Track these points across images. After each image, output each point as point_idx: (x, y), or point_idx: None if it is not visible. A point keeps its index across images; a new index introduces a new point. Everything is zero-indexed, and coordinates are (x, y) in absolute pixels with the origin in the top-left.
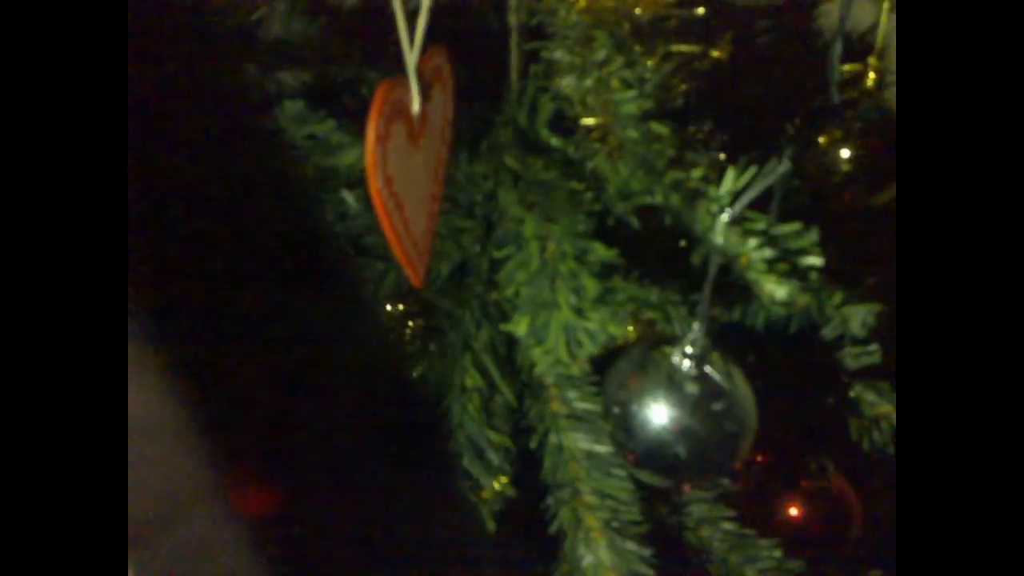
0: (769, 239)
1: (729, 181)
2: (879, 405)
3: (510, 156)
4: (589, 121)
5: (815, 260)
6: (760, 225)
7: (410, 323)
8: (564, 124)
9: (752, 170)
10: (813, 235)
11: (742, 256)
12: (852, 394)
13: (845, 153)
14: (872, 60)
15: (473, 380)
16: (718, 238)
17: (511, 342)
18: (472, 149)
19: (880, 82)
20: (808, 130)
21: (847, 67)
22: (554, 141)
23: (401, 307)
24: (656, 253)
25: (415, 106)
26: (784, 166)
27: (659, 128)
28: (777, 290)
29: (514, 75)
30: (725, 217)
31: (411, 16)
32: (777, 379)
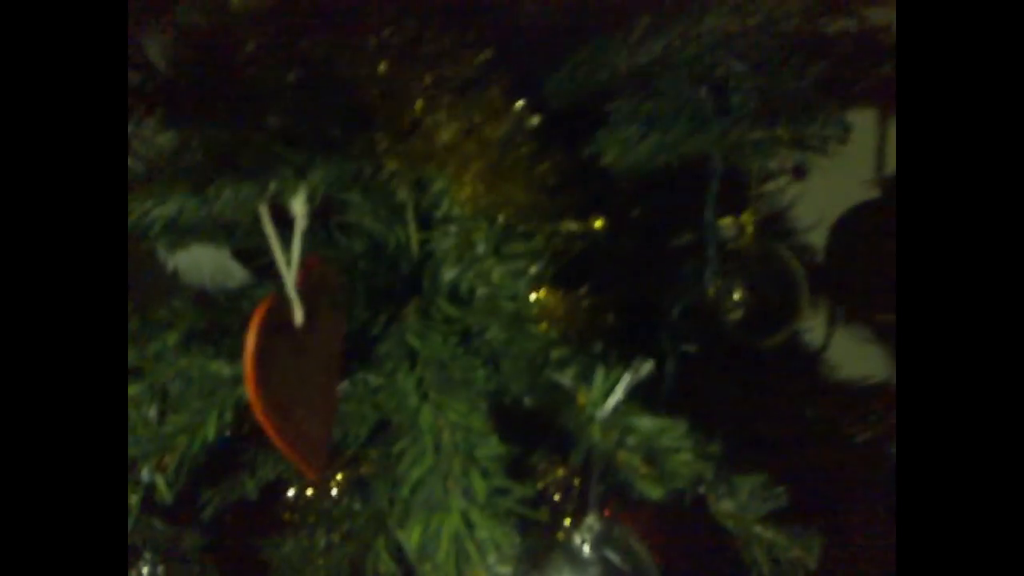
0: (643, 435)
1: (600, 382)
2: (791, 549)
3: (411, 332)
4: (481, 291)
5: (685, 456)
6: (632, 422)
7: (338, 475)
8: (464, 295)
9: (619, 371)
10: (682, 429)
11: (618, 455)
12: (766, 538)
13: (736, 296)
14: (747, 215)
15: (386, 567)
16: (594, 436)
17: None
18: (379, 321)
19: (759, 232)
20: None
21: (725, 221)
22: (453, 312)
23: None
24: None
25: (297, 319)
26: (648, 365)
27: (533, 329)
28: (652, 490)
29: (414, 249)
30: (599, 417)
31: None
32: (682, 531)
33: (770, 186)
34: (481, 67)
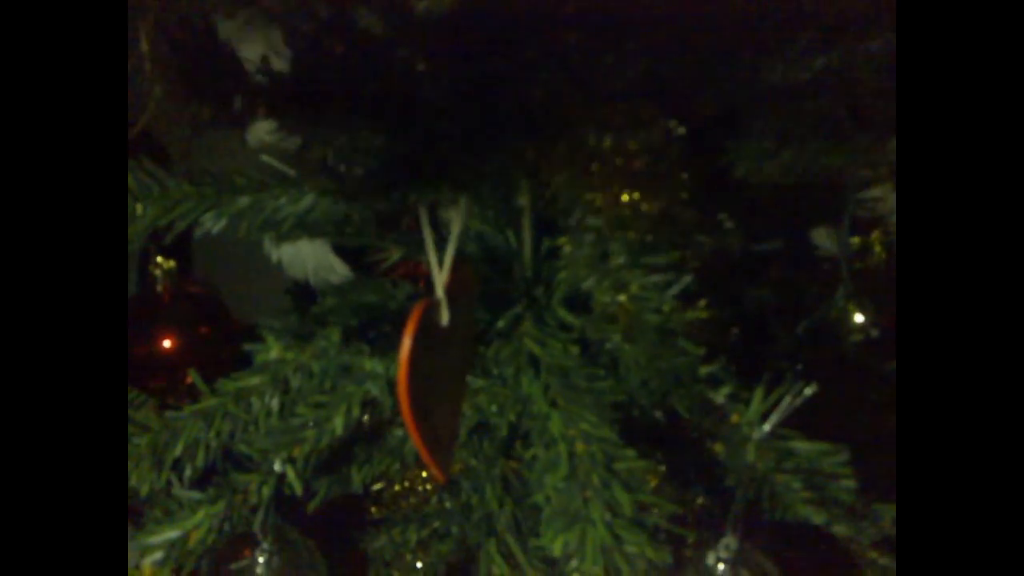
0: (801, 460)
1: (757, 403)
2: None
3: (529, 339)
4: (604, 299)
5: (848, 483)
6: (791, 445)
7: (424, 473)
8: (580, 300)
9: (779, 390)
10: (844, 455)
11: (776, 476)
12: (880, 564)
13: (859, 318)
14: (877, 233)
15: (500, 569)
16: (749, 456)
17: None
18: (490, 325)
19: (887, 252)
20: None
21: (855, 240)
22: (570, 319)
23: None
24: (682, 446)
25: (444, 320)
26: (811, 387)
27: (685, 344)
28: (816, 516)
29: (527, 253)
30: (756, 438)
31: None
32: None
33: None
34: (633, 80)
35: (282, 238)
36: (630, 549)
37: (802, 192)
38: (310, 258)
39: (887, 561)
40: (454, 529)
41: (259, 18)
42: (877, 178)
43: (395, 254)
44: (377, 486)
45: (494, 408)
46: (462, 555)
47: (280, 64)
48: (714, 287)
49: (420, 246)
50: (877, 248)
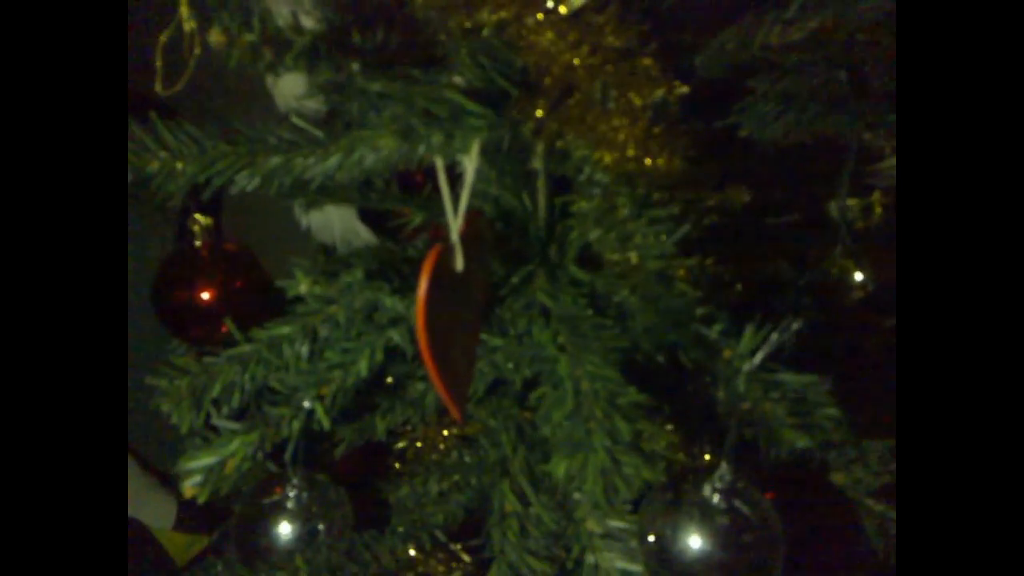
0: (787, 391)
1: (748, 338)
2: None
3: (542, 292)
4: (613, 257)
5: (830, 411)
6: (778, 377)
7: (445, 432)
8: (591, 259)
9: (767, 328)
10: (825, 386)
11: (763, 405)
12: (877, 511)
13: (858, 276)
14: (877, 194)
15: (512, 506)
16: (739, 388)
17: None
18: (506, 281)
19: (887, 213)
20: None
21: (854, 201)
22: (581, 275)
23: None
24: (682, 388)
25: (459, 266)
26: (797, 323)
27: (682, 287)
28: (798, 440)
29: (541, 215)
30: (746, 370)
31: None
32: (797, 497)
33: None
34: (635, 38)
35: (310, 204)
36: (627, 471)
37: (803, 152)
38: (337, 224)
39: (883, 508)
40: (472, 480)
41: None
42: (875, 140)
43: (417, 218)
44: (401, 443)
45: (510, 365)
46: (479, 503)
47: (308, 22)
48: (718, 240)
49: (440, 208)
50: (877, 209)
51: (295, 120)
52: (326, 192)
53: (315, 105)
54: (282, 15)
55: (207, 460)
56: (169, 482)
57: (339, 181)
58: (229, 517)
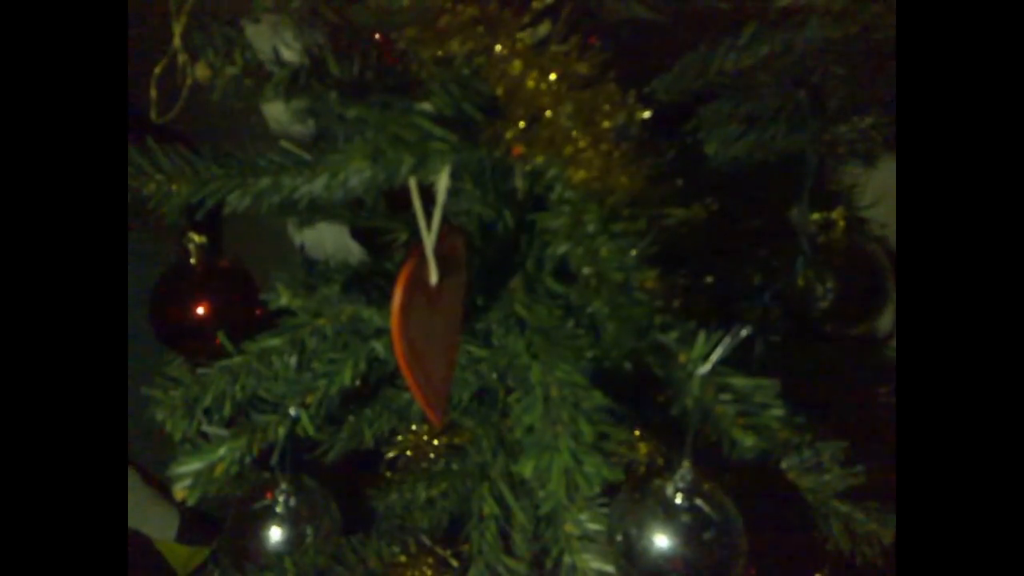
0: (737, 393)
1: (700, 344)
2: (867, 523)
3: (519, 304)
4: (584, 270)
5: (777, 412)
6: (729, 381)
7: (435, 441)
8: (568, 272)
9: (719, 334)
10: (774, 388)
11: (715, 407)
12: (843, 512)
13: (824, 286)
14: (839, 209)
15: (491, 508)
16: (693, 390)
17: None
18: (487, 294)
19: (848, 227)
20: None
21: (816, 215)
22: (557, 287)
23: (426, 427)
24: (649, 393)
25: (433, 279)
26: (746, 329)
27: (640, 296)
28: (745, 438)
29: (520, 231)
30: (698, 373)
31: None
32: (765, 501)
33: (851, 179)
34: (598, 65)
35: (303, 222)
36: (588, 469)
37: (765, 169)
38: (329, 241)
39: (848, 509)
40: (458, 486)
41: (275, 20)
42: (833, 157)
43: (403, 234)
44: (390, 453)
45: (494, 375)
46: (464, 508)
47: (289, 54)
48: (683, 253)
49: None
50: (840, 223)
51: (283, 143)
52: (317, 210)
53: (303, 128)
54: (263, 50)
55: (196, 464)
56: (170, 494)
57: (326, 200)
58: None
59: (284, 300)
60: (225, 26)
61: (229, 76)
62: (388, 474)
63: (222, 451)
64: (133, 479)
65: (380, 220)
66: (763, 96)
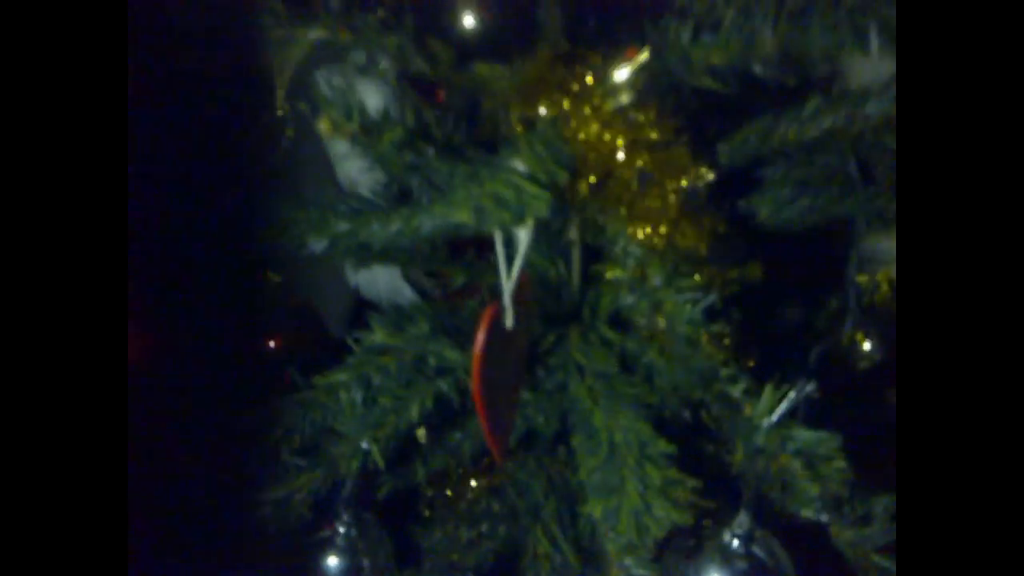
0: (801, 445)
1: (767, 397)
2: None
3: (576, 351)
4: (642, 321)
5: (839, 464)
6: (793, 432)
7: (472, 482)
8: (619, 322)
9: (785, 388)
10: (835, 441)
11: (779, 458)
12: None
13: (867, 346)
14: (884, 272)
15: (544, 548)
16: (759, 442)
17: (572, 509)
18: (543, 341)
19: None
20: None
21: (863, 277)
22: (613, 336)
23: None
24: (704, 441)
25: (509, 323)
26: (811, 385)
27: (710, 349)
28: (811, 489)
29: (575, 281)
30: (765, 425)
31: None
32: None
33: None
34: (670, 131)
35: (361, 264)
36: (658, 513)
37: (816, 232)
38: (383, 283)
39: (889, 564)
40: (500, 529)
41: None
42: (880, 223)
43: (459, 278)
44: (429, 491)
45: (541, 418)
46: (508, 550)
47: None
48: (739, 310)
49: (482, 271)
50: (884, 286)
51: (362, 191)
52: (384, 251)
53: (369, 178)
54: (373, 107)
55: (276, 494)
56: None
57: (396, 245)
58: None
59: (379, 337)
60: (344, 84)
61: (349, 132)
62: (427, 512)
63: (301, 480)
64: None
65: (439, 263)
66: (816, 163)
